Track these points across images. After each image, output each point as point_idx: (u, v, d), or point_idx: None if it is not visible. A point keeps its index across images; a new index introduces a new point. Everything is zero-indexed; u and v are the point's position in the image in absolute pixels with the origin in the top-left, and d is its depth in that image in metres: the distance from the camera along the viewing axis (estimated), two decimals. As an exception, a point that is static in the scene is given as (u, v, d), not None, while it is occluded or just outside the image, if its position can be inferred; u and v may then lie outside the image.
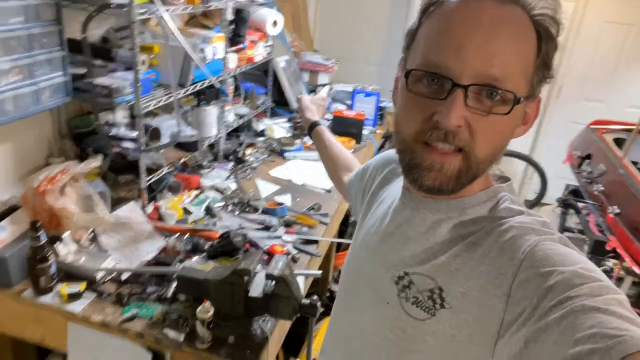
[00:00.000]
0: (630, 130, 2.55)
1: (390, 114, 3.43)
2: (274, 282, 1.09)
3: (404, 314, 0.63)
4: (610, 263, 2.01)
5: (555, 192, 4.06)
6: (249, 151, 2.25)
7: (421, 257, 0.64)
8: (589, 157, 2.51)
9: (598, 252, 2.11)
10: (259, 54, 2.25)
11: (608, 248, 1.94)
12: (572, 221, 2.76)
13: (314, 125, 1.23)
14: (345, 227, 2.54)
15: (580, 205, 2.49)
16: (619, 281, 2.01)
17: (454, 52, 0.54)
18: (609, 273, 2.03)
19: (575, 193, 2.72)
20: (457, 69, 0.54)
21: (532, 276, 0.52)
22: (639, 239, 1.75)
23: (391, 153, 0.87)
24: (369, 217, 0.80)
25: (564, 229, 2.65)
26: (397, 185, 0.76)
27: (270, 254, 1.39)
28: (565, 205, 2.65)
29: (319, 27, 4.21)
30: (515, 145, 4.08)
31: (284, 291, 1.08)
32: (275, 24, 2.31)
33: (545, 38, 0.56)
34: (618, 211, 1.91)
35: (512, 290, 0.53)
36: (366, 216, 0.81)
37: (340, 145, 1.19)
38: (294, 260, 1.45)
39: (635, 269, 1.75)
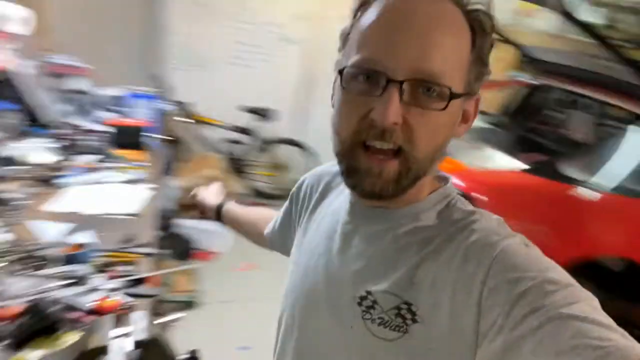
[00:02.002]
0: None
1: (173, 117, 3.18)
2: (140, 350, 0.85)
3: (371, 336, 0.58)
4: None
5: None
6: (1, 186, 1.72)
7: (379, 272, 0.60)
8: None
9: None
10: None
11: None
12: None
13: (219, 208, 1.16)
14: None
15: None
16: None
17: (388, 47, 0.54)
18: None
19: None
20: (391, 64, 0.53)
21: (501, 283, 0.51)
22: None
23: (323, 167, 0.84)
24: (310, 237, 0.75)
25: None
26: (338, 200, 0.72)
27: (102, 313, 1.09)
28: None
29: (63, 24, 3.53)
30: (286, 132, 4.33)
31: (157, 356, 0.86)
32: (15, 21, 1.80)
33: (479, 32, 0.57)
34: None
35: (482, 299, 0.52)
36: (305, 236, 0.77)
37: (254, 209, 1.15)
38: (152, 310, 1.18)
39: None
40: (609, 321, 0.45)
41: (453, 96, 0.54)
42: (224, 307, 2.76)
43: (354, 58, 0.56)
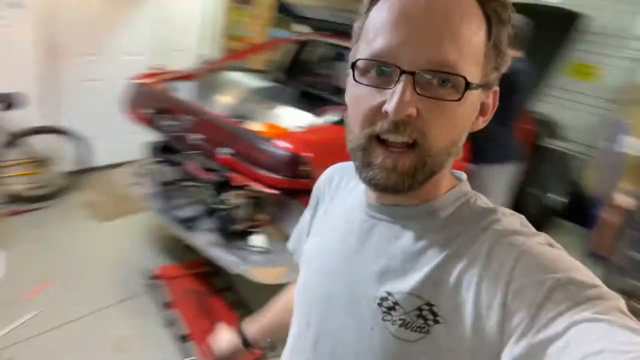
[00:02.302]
0: (183, 77, 2.75)
1: None
2: None
3: (392, 337, 0.58)
4: (232, 195, 2.28)
5: (104, 153, 3.97)
6: None
7: (399, 272, 0.59)
8: (164, 111, 2.54)
9: (220, 191, 2.33)
10: None
11: (233, 184, 2.18)
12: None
13: (245, 340, 0.99)
14: None
15: (175, 157, 2.57)
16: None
17: (401, 39, 0.52)
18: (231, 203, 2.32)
19: (165, 148, 2.76)
20: (404, 55, 0.52)
21: (525, 284, 0.50)
22: (261, 167, 2.05)
23: (333, 167, 0.82)
24: (324, 238, 0.73)
25: (164, 183, 2.67)
26: (351, 197, 0.71)
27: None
28: (162, 161, 2.66)
29: None
30: (38, 118, 3.61)
31: None
32: None
33: (495, 22, 0.55)
34: (232, 151, 2.13)
35: (507, 301, 0.51)
36: (318, 236, 0.76)
37: (272, 303, 1.01)
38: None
39: (263, 188, 2.06)
40: (635, 324, 0.45)
41: (468, 86, 0.53)
42: (39, 341, 2.25)
43: (366, 51, 0.55)
